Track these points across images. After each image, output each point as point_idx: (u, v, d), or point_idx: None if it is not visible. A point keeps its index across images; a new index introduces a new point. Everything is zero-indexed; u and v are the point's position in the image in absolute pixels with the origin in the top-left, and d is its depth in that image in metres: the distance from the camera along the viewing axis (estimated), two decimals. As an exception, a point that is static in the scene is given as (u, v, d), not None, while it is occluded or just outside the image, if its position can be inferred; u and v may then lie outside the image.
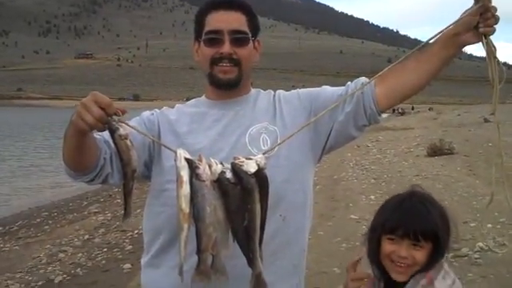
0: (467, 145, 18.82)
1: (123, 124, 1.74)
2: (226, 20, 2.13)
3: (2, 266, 9.02)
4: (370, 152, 20.65)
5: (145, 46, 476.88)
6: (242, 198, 1.72)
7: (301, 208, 2.20)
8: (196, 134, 2.14)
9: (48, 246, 10.23)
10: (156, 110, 2.29)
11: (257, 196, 1.73)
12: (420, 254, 1.97)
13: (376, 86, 2.11)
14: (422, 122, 40.54)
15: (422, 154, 17.22)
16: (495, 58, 1.90)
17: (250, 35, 2.17)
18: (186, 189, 1.70)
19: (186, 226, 1.71)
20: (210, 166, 1.72)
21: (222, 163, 1.76)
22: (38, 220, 13.58)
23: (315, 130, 2.19)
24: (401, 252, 1.97)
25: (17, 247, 10.61)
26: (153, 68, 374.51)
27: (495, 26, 1.90)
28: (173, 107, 2.32)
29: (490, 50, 1.90)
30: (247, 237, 1.74)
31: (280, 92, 2.32)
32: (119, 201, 14.80)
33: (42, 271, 8.43)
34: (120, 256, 8.88)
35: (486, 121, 32.75)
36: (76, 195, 17.45)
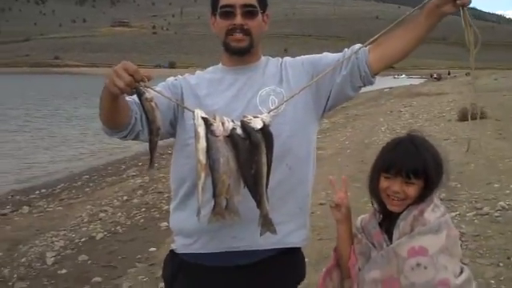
0: (500, 109, 18.69)
1: (149, 89, 2.05)
2: None
3: (47, 225, 9.48)
4: (402, 117, 20.70)
5: (179, 14, 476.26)
6: (250, 150, 2.04)
7: (305, 160, 2.51)
8: (213, 97, 2.46)
9: (89, 206, 10.69)
10: (179, 76, 2.61)
11: (263, 148, 2.04)
12: (411, 190, 2.25)
13: (370, 51, 2.42)
14: (457, 87, 40.05)
15: (454, 119, 17.21)
16: (471, 26, 2.18)
17: (259, 8, 2.46)
18: (202, 143, 2.01)
19: (203, 174, 2.03)
20: (222, 124, 2.03)
21: (233, 121, 2.07)
22: (80, 183, 14.08)
23: (317, 92, 2.49)
24: (394, 187, 2.26)
25: (60, 208, 11.06)
26: (188, 35, 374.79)
27: None
28: (193, 74, 2.64)
29: (467, 18, 2.18)
30: (255, 183, 2.06)
31: (286, 59, 2.62)
32: (156, 165, 15.18)
33: (84, 229, 8.90)
34: (157, 215, 9.30)
35: (523, 84, 32.37)
36: (115, 159, 18.03)
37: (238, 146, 2.04)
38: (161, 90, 2.31)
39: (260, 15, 2.47)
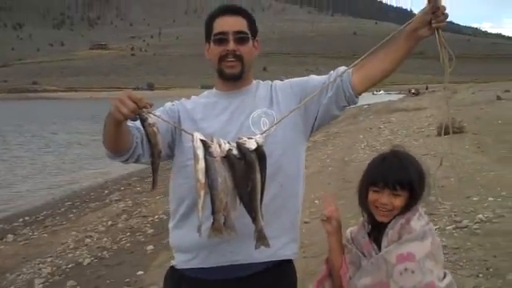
0: (477, 123, 18.98)
1: (151, 114, 2.20)
2: (231, 23, 2.60)
3: (33, 252, 9.56)
4: (382, 133, 20.88)
5: (158, 35, 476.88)
6: (246, 170, 2.18)
7: (295, 177, 2.67)
8: (208, 120, 2.61)
9: (74, 232, 10.76)
10: (176, 101, 2.76)
11: (257, 167, 2.18)
12: (398, 201, 2.41)
13: (353, 73, 2.59)
14: (435, 101, 40.45)
15: (433, 134, 17.40)
16: (445, 47, 2.35)
17: (250, 35, 2.64)
18: (201, 164, 2.15)
19: (202, 193, 2.16)
20: (219, 145, 2.17)
21: (229, 142, 2.21)
22: (63, 209, 14.07)
23: (305, 113, 2.66)
24: (382, 199, 2.42)
25: (45, 235, 11.10)
26: (167, 56, 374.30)
27: (445, 22, 2.34)
28: (189, 98, 2.79)
29: (441, 40, 2.35)
30: (250, 199, 2.20)
31: (276, 82, 2.80)
32: (139, 189, 15.30)
33: (70, 255, 8.96)
34: (143, 239, 9.36)
35: (499, 98, 32.87)
36: (97, 185, 17.98)
37: (234, 166, 2.18)
38: (160, 114, 2.45)
39: (251, 41, 2.65)
